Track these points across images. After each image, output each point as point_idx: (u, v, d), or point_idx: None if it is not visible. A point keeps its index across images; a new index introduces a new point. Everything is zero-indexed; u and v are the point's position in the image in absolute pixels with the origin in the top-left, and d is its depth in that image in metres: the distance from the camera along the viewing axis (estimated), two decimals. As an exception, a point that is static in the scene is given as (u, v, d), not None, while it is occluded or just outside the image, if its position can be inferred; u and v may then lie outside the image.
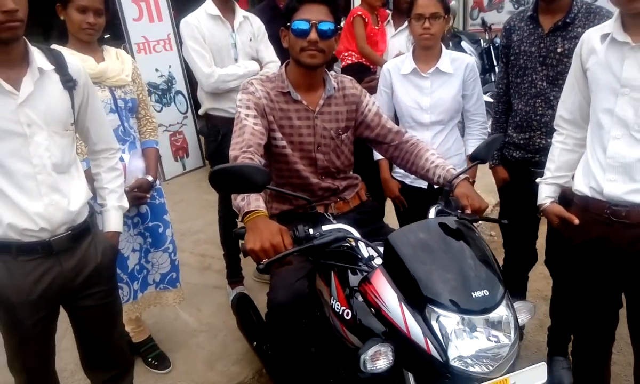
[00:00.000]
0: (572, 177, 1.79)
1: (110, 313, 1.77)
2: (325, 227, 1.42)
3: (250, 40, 2.77)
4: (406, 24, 2.71)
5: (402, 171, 2.46)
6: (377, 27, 2.83)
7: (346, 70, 2.84)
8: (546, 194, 1.86)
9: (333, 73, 1.92)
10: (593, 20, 1.98)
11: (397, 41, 2.77)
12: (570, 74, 1.75)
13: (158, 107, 4.88)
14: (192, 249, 3.84)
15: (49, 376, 1.76)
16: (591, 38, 1.64)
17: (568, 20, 2.01)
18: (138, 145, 2.27)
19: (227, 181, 1.29)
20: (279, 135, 1.78)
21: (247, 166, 1.32)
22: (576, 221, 1.70)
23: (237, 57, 2.74)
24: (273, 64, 2.83)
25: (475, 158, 1.65)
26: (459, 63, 2.38)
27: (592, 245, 1.69)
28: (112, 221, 1.78)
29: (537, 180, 1.90)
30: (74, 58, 1.64)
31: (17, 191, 1.46)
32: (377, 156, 2.53)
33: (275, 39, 2.96)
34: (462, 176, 1.69)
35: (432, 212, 1.57)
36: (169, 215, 2.38)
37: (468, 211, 1.55)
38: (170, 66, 4.81)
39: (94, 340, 1.78)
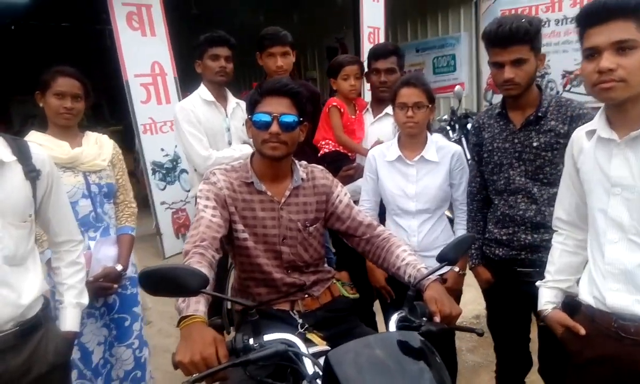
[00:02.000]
0: (577, 282, 1.64)
1: None
2: (267, 337, 1.29)
3: (243, 125, 2.79)
4: (384, 112, 2.70)
5: None
6: (353, 117, 2.83)
7: (324, 158, 2.82)
8: (547, 298, 1.71)
9: (304, 163, 1.86)
10: (565, 112, 1.91)
11: (377, 129, 2.75)
12: (565, 174, 1.66)
13: (162, 185, 4.93)
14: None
15: None
16: (579, 136, 1.56)
17: (540, 114, 1.94)
18: (112, 232, 2.23)
19: (158, 283, 1.19)
20: (240, 226, 1.70)
21: (179, 268, 1.23)
22: (582, 331, 1.53)
23: (231, 140, 2.75)
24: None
25: (443, 259, 1.53)
26: (445, 152, 2.31)
27: (600, 363, 1.49)
28: (69, 319, 1.69)
29: (537, 283, 1.75)
30: (39, 149, 1.63)
31: None
32: None
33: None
34: (433, 277, 1.57)
35: (392, 322, 1.43)
36: (140, 307, 2.29)
37: (437, 319, 1.42)
38: (176, 146, 4.89)
39: None
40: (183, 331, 1.26)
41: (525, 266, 2.00)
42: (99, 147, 2.19)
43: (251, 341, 1.25)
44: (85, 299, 1.75)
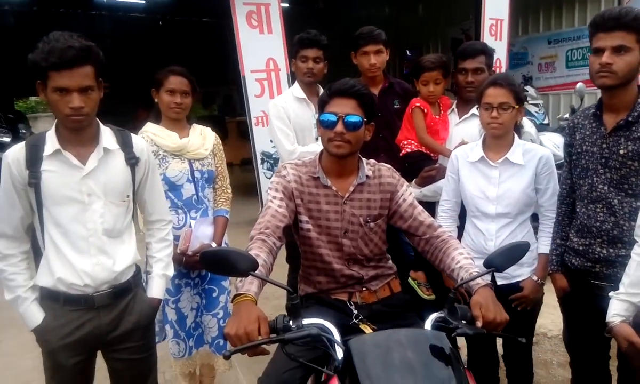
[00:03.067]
0: None
1: (141, 367, 1.95)
2: (306, 321, 1.42)
3: None
4: (471, 112, 2.65)
5: None
6: (437, 117, 2.81)
7: (406, 158, 2.86)
8: (616, 311, 1.66)
9: (372, 161, 1.96)
10: None
11: (461, 129, 2.72)
12: None
13: (269, 174, 5.29)
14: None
15: None
16: None
17: (631, 119, 1.81)
18: (210, 213, 2.53)
19: (215, 263, 1.39)
20: (305, 218, 1.86)
21: (233, 251, 1.40)
22: None
23: (318, 136, 2.92)
24: None
25: (489, 265, 1.54)
26: (532, 155, 2.25)
27: None
28: (155, 287, 1.98)
29: (610, 294, 1.69)
30: (139, 139, 1.93)
31: (70, 249, 1.74)
32: None
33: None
34: (483, 282, 1.59)
35: (428, 320, 1.49)
36: (228, 281, 2.57)
37: (479, 323, 1.45)
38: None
39: None
40: (234, 307, 1.44)
41: (599, 280, 1.90)
42: (202, 138, 2.50)
43: (291, 322, 1.39)
44: (170, 271, 2.03)
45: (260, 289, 1.52)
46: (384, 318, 1.83)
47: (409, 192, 1.93)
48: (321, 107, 1.82)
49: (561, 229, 2.18)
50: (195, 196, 2.45)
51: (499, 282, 2.30)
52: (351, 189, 1.86)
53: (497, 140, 2.25)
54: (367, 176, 1.89)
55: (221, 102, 14.53)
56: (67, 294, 1.75)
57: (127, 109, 11.08)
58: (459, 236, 2.45)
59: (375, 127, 3.13)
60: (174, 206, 2.44)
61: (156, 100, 2.43)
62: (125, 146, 1.85)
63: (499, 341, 2.49)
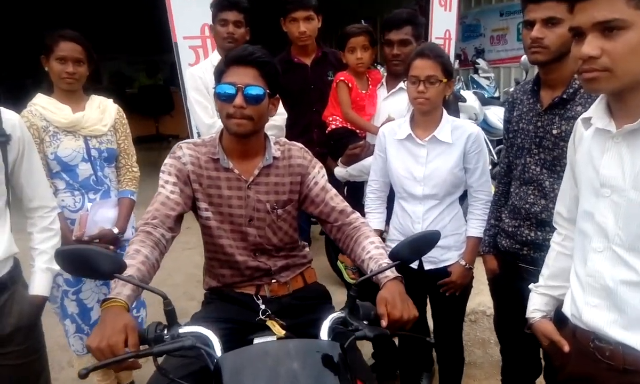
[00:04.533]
0: None
1: (27, 372, 1.74)
2: (184, 329, 1.25)
3: None
4: (398, 86, 2.51)
5: (393, 244, 2.25)
6: (364, 91, 2.66)
7: (331, 135, 2.71)
8: (536, 306, 1.55)
9: (282, 140, 1.78)
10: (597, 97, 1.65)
11: (389, 105, 2.57)
12: (567, 165, 1.46)
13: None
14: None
15: None
16: (580, 123, 1.36)
17: (565, 97, 1.69)
18: (112, 194, 2.30)
19: (72, 263, 1.20)
20: (204, 205, 1.67)
21: (94, 250, 1.22)
22: (566, 348, 1.39)
23: None
24: (279, 116, 2.76)
25: (395, 257, 1.40)
26: (461, 132, 2.12)
27: (579, 382, 1.36)
28: (38, 283, 1.75)
29: (530, 286, 1.59)
30: (10, 113, 1.67)
31: None
32: (369, 223, 2.33)
33: (286, 93, 2.93)
34: (392, 275, 1.45)
35: (325, 324, 1.33)
36: None
37: (383, 322, 1.31)
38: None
39: None
40: (101, 313, 1.25)
41: (527, 263, 1.82)
42: (101, 111, 2.24)
43: (165, 331, 1.22)
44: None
45: (136, 292, 1.32)
46: (294, 312, 1.69)
47: (321, 175, 1.76)
48: (217, 77, 1.61)
49: (496, 209, 2.08)
50: (93, 176, 2.21)
51: (426, 266, 2.20)
52: (256, 172, 1.67)
53: (425, 116, 2.11)
54: (275, 158, 1.70)
55: (167, 71, 13.94)
56: None
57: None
58: (389, 219, 2.33)
59: (308, 101, 3.00)
60: (69, 188, 2.20)
61: (46, 68, 2.15)
62: None
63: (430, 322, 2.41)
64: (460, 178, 2.16)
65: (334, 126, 2.68)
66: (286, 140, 1.79)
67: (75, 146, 2.16)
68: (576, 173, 1.35)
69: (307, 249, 1.90)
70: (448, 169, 2.11)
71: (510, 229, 1.90)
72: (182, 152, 1.66)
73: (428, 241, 1.42)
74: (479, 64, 8.26)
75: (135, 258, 1.41)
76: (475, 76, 8.20)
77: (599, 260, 1.24)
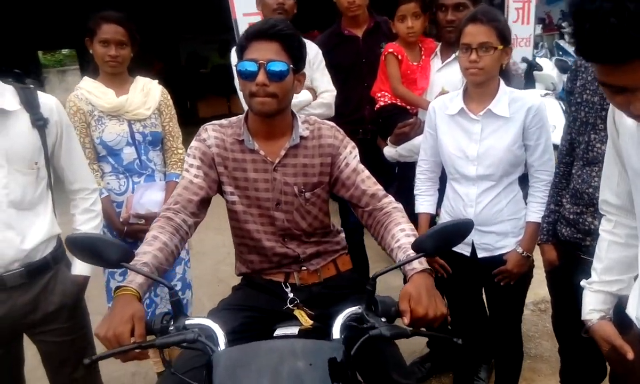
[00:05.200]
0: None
1: (73, 349, 1.79)
2: (191, 321, 1.20)
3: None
4: (453, 56, 2.29)
5: None
6: (416, 63, 2.46)
7: (380, 112, 2.54)
8: (592, 305, 1.37)
9: (313, 119, 1.67)
10: None
11: (443, 76, 2.36)
12: (609, 143, 1.26)
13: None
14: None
15: None
16: None
17: None
18: (157, 178, 2.31)
19: (82, 250, 1.19)
20: (229, 188, 1.61)
21: (100, 239, 1.21)
22: (630, 355, 1.22)
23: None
24: (328, 93, 2.66)
25: (419, 248, 1.25)
26: (520, 105, 1.91)
27: None
28: (78, 264, 1.79)
29: (582, 283, 1.40)
30: (49, 98, 1.70)
31: None
32: (418, 207, 2.18)
33: (337, 67, 2.81)
34: (419, 267, 1.31)
35: (337, 321, 1.22)
36: (184, 252, 2.37)
37: (405, 319, 1.19)
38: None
39: (55, 374, 1.83)
40: (113, 301, 1.24)
41: (590, 255, 1.60)
42: (144, 95, 2.24)
43: (172, 323, 1.18)
44: None
45: (149, 281, 1.30)
46: (324, 302, 1.60)
47: (353, 155, 1.64)
48: (239, 54, 1.53)
49: (557, 193, 1.86)
50: (137, 160, 2.24)
51: (480, 254, 2.03)
52: (282, 153, 1.59)
53: (479, 88, 1.92)
54: (303, 137, 1.60)
55: (240, 50, 14.11)
56: None
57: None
58: (440, 202, 2.17)
59: (360, 75, 2.85)
60: (114, 171, 2.24)
61: (91, 51, 2.18)
62: (31, 106, 1.63)
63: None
64: (519, 156, 1.95)
65: (382, 103, 2.53)
66: (317, 118, 1.68)
67: (119, 130, 2.19)
68: (623, 157, 1.16)
69: (342, 234, 1.80)
70: (505, 147, 1.91)
71: (571, 216, 1.69)
72: (208, 135, 1.60)
73: (458, 231, 1.26)
74: (565, 28, 7.60)
75: (152, 245, 1.39)
76: (561, 42, 7.57)
77: None
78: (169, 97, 2.37)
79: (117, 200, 2.25)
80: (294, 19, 2.60)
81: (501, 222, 1.99)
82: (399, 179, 2.71)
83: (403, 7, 2.40)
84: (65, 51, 20.36)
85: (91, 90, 2.17)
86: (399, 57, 2.44)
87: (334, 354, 1.07)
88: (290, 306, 1.58)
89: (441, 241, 1.22)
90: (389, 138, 2.49)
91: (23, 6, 10.48)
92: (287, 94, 1.52)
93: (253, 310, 1.57)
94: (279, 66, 1.46)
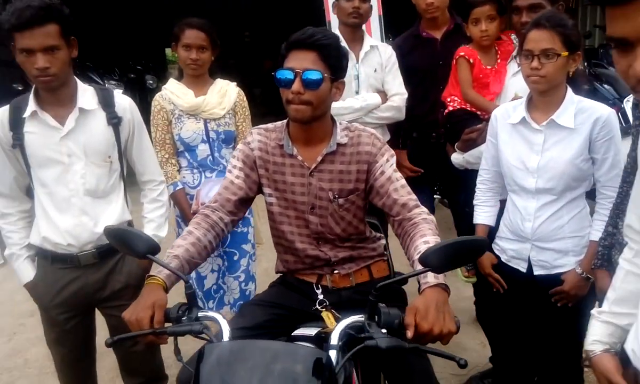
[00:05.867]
0: None
1: None
2: (203, 314, 1.31)
3: (375, 71, 2.67)
4: None
5: (501, 242, 2.03)
6: (490, 67, 2.35)
7: (449, 118, 2.47)
8: (596, 336, 1.27)
9: (354, 125, 1.71)
10: None
11: (517, 82, 2.23)
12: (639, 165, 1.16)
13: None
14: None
15: (86, 376, 2.10)
16: None
17: None
18: (229, 174, 2.50)
19: (116, 240, 1.35)
20: (268, 190, 1.70)
21: (130, 231, 1.36)
22: None
23: (359, 89, 2.68)
24: (398, 96, 2.67)
25: (424, 263, 1.24)
26: (587, 115, 1.79)
27: None
28: None
29: (592, 312, 1.31)
30: (124, 98, 1.93)
31: (54, 209, 1.83)
32: (476, 217, 2.14)
33: (413, 69, 2.80)
34: (433, 281, 1.31)
35: (337, 328, 1.25)
36: (250, 245, 2.54)
37: (409, 333, 1.20)
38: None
39: (118, 348, 2.05)
40: (142, 289, 1.39)
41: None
42: (221, 96, 2.44)
43: (187, 312, 1.30)
44: (162, 232, 2.04)
45: (179, 271, 1.42)
46: (353, 306, 1.64)
47: (389, 164, 1.65)
48: (281, 62, 1.62)
49: (616, 215, 1.71)
50: (210, 157, 2.43)
51: (536, 271, 1.95)
52: (319, 158, 1.65)
53: (543, 96, 1.84)
54: (342, 144, 1.65)
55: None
56: (54, 253, 1.86)
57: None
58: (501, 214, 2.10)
59: (436, 78, 2.82)
60: (189, 166, 2.46)
61: (176, 55, 2.42)
62: (107, 105, 1.86)
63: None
64: (585, 170, 1.83)
65: (451, 108, 2.49)
66: (358, 125, 1.72)
67: (195, 128, 2.40)
68: None
69: (380, 242, 1.82)
70: (568, 159, 1.81)
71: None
72: (252, 138, 1.72)
73: (469, 249, 1.21)
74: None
75: (186, 239, 1.53)
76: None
77: None
78: (245, 98, 2.54)
79: (191, 193, 2.47)
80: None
81: (562, 239, 1.88)
82: (468, 187, 2.64)
83: (477, 10, 2.35)
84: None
85: (174, 91, 2.41)
86: (471, 61, 2.39)
87: (318, 361, 1.10)
88: (319, 307, 1.64)
89: (447, 258, 1.18)
90: (456, 144, 2.45)
91: (155, 7, 11.61)
92: (323, 102, 1.58)
93: (282, 308, 1.66)
94: (314, 75, 1.52)
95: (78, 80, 1.85)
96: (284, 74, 1.55)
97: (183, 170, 2.48)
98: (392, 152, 1.70)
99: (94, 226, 1.85)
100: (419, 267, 1.32)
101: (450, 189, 3.06)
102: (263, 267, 3.23)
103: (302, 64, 1.53)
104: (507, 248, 2.02)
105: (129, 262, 1.96)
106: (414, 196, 1.62)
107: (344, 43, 2.62)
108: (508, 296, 2.05)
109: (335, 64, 1.58)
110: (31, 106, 1.76)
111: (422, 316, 1.21)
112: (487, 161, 2.09)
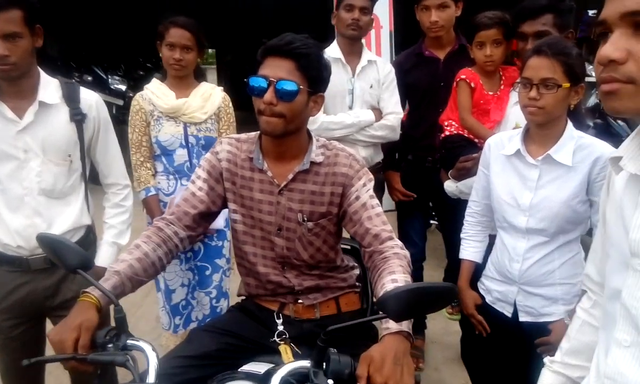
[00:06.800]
0: None
1: None
2: (131, 341, 1.19)
3: (371, 87, 2.56)
4: None
5: (487, 282, 1.90)
6: (492, 93, 2.23)
7: (444, 143, 2.35)
8: None
9: (333, 144, 1.59)
10: None
11: (518, 111, 2.11)
12: (599, 215, 1.09)
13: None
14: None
15: None
16: (610, 164, 0.99)
17: None
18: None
19: (47, 249, 1.25)
20: (233, 206, 1.59)
21: (62, 242, 1.25)
22: None
23: (353, 104, 2.57)
24: (393, 115, 2.57)
25: (381, 308, 1.10)
26: (586, 153, 1.67)
27: None
28: (102, 255, 1.89)
29: (545, 360, 1.27)
30: (90, 94, 1.83)
31: (5, 208, 1.72)
32: (462, 252, 2.01)
33: (412, 88, 2.70)
34: (394, 328, 1.17)
35: (276, 377, 1.14)
36: (224, 260, 2.42)
37: None
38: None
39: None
40: (73, 307, 1.27)
41: None
42: (204, 99, 2.33)
43: (114, 339, 1.18)
44: (123, 240, 1.93)
45: (117, 290, 1.31)
46: (315, 342, 1.51)
47: (366, 189, 1.52)
48: (256, 69, 1.51)
49: None
50: (188, 163, 2.32)
51: (522, 318, 1.81)
52: (290, 176, 1.53)
53: (541, 130, 1.72)
54: (316, 163, 1.53)
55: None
56: (2, 255, 1.75)
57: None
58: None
59: (435, 100, 2.70)
60: (165, 172, 2.35)
61: (160, 54, 2.32)
62: (71, 100, 1.76)
63: None
64: (581, 213, 1.70)
65: (447, 132, 2.37)
66: (336, 144, 1.60)
67: (174, 131, 2.30)
68: (607, 231, 0.98)
69: (353, 272, 1.70)
70: (563, 200, 1.68)
71: None
72: (221, 148, 1.60)
73: (434, 297, 1.08)
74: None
75: (132, 253, 1.41)
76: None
77: (623, 357, 0.87)
78: (230, 104, 2.44)
79: (164, 200, 2.36)
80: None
81: (551, 285, 1.75)
82: (461, 217, 2.52)
83: (482, 33, 2.23)
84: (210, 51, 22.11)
85: (154, 91, 2.31)
86: (472, 84, 2.27)
87: None
88: (277, 340, 1.52)
89: (408, 305, 1.05)
90: (450, 172, 2.33)
91: (173, 6, 11.62)
92: (297, 116, 1.47)
93: (235, 337, 1.53)
94: (289, 86, 1.41)
95: (42, 72, 1.75)
96: (257, 82, 1.43)
97: (158, 175, 2.37)
98: (371, 176, 1.57)
99: (47, 228, 1.74)
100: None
101: (442, 217, 2.94)
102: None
103: (276, 72, 1.42)
104: (492, 289, 1.89)
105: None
106: (388, 227, 1.49)
107: (338, 56, 2.54)
108: (492, 339, 1.92)
109: (315, 75, 1.46)
110: None
111: (377, 368, 1.09)
112: (478, 193, 1.97)
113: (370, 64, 2.58)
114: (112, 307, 1.24)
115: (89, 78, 7.42)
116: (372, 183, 1.56)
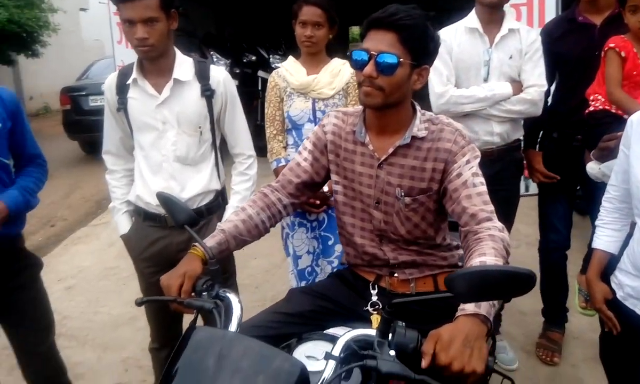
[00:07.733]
0: None
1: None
2: (223, 293, 1.33)
3: (511, 57, 2.40)
4: None
5: (620, 275, 1.72)
6: None
7: (589, 119, 2.09)
8: None
9: (440, 118, 1.56)
10: None
11: None
12: None
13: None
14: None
15: (172, 328, 2.23)
16: None
17: None
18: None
19: (163, 205, 1.47)
20: (336, 178, 1.64)
21: (174, 201, 1.44)
22: None
23: (489, 76, 2.44)
24: (534, 88, 2.38)
25: (448, 287, 1.04)
26: None
27: None
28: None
29: None
30: (220, 71, 2.04)
31: (149, 171, 2.03)
32: (595, 240, 1.83)
33: (563, 58, 2.48)
34: (469, 310, 1.14)
35: (341, 340, 1.18)
36: None
37: (423, 363, 1.06)
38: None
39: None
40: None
41: None
42: (332, 75, 2.41)
43: (213, 287, 1.34)
44: None
45: (222, 246, 1.49)
46: (411, 317, 1.51)
47: (469, 167, 1.46)
48: (361, 41, 1.53)
49: None
50: None
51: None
52: (390, 150, 1.53)
53: None
54: (419, 138, 1.52)
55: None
56: (146, 211, 2.06)
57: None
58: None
59: (589, 71, 2.45)
60: (294, 145, 2.49)
61: (295, 32, 2.46)
62: (202, 77, 1.98)
63: None
64: None
65: (592, 108, 2.14)
66: (443, 118, 1.56)
67: (303, 106, 2.43)
68: None
69: (455, 252, 1.65)
70: None
71: None
72: (328, 121, 1.67)
73: (508, 283, 1.00)
74: None
75: (238, 215, 1.57)
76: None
77: None
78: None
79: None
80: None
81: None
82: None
83: None
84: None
85: (288, 68, 2.47)
86: (623, 54, 2.02)
87: (286, 370, 1.04)
88: (370, 309, 1.56)
89: (475, 287, 1.00)
90: (592, 152, 2.10)
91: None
92: (398, 89, 1.46)
93: (330, 301, 1.61)
94: (389, 58, 1.40)
95: (178, 52, 1.99)
96: (359, 55, 1.46)
97: (289, 147, 2.53)
98: (477, 153, 1.51)
99: (181, 191, 2.00)
100: None
101: (591, 203, 2.66)
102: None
103: (377, 45, 1.43)
104: (625, 284, 1.69)
105: (212, 228, 2.07)
106: (489, 207, 1.43)
107: (476, 26, 2.43)
108: (629, 339, 1.73)
109: (419, 47, 1.44)
110: (134, 73, 1.96)
111: (443, 347, 1.07)
112: (617, 176, 1.76)
113: (512, 33, 2.41)
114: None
115: (253, 58, 8.00)
116: (478, 160, 1.50)
